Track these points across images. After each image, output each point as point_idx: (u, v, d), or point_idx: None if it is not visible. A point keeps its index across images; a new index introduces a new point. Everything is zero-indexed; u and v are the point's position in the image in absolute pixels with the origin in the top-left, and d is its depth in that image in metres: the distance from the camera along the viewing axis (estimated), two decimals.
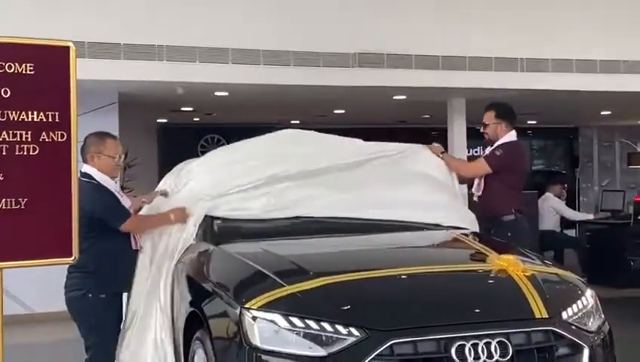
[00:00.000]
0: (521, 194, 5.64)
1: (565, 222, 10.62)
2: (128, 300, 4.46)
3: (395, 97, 9.83)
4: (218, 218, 4.42)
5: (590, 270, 9.12)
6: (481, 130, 5.69)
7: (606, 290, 7.72)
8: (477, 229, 4.75)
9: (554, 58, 8.94)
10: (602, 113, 13.26)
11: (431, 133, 14.98)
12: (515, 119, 5.72)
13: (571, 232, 11.31)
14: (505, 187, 5.37)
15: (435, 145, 5.36)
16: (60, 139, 3.33)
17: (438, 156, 5.24)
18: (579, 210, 12.86)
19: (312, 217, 4.49)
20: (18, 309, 7.51)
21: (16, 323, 6.54)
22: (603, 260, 9.27)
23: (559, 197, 10.33)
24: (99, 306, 4.25)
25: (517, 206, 5.41)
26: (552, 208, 10.04)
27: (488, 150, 5.61)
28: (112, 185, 4.37)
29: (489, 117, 5.63)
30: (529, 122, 15.45)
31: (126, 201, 4.48)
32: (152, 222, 4.59)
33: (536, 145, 17.76)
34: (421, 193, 4.78)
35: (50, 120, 3.32)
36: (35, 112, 3.31)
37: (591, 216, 10.68)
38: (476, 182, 5.53)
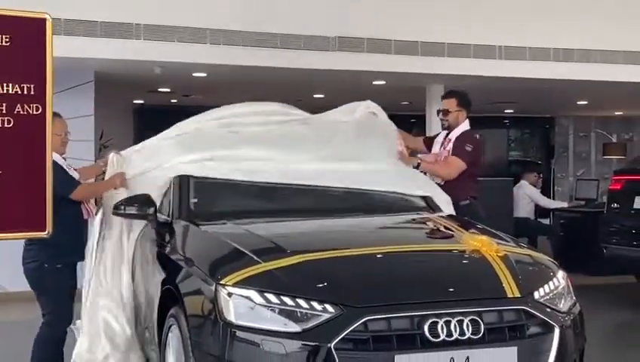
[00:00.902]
0: (478, 182, 5.91)
1: (539, 210, 10.73)
2: (84, 270, 4.80)
3: (374, 82, 9.85)
4: (195, 198, 4.41)
5: (563, 257, 9.15)
6: (440, 116, 5.94)
7: (579, 277, 7.82)
8: (452, 211, 4.79)
9: (532, 46, 9.00)
10: (579, 103, 13.38)
11: (410, 120, 15.05)
12: (470, 108, 6.00)
13: (545, 221, 11.44)
14: (465, 176, 5.65)
15: (404, 151, 5.47)
16: (35, 112, 3.28)
17: (413, 166, 5.41)
18: (554, 199, 12.99)
19: (284, 185, 4.63)
20: None
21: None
22: (576, 247, 9.38)
23: (534, 186, 10.42)
24: (55, 276, 4.56)
25: (473, 193, 5.70)
26: (526, 196, 10.13)
27: (451, 144, 5.77)
28: (60, 159, 4.63)
29: (451, 104, 5.88)
30: (506, 111, 15.56)
31: (74, 174, 4.82)
32: (99, 188, 5.02)
33: (513, 134, 17.90)
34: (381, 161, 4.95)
35: (25, 92, 3.27)
36: (11, 85, 3.26)
37: (565, 204, 10.80)
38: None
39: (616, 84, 9.70)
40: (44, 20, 3.33)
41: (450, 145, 5.76)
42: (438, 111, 6.03)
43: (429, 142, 6.14)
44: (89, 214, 4.82)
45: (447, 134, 5.87)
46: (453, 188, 5.38)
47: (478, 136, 6.08)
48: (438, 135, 6.12)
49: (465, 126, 5.86)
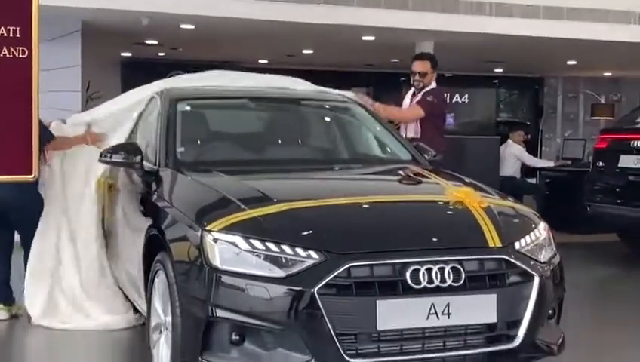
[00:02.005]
0: (445, 138, 6.41)
1: (526, 170, 10.79)
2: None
3: (363, 38, 9.81)
4: (182, 147, 4.42)
5: (548, 216, 9.15)
6: (416, 78, 6.38)
7: (563, 236, 7.93)
8: None
9: (521, 3, 8.97)
10: (568, 63, 13.38)
11: (399, 79, 15.03)
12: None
13: (532, 180, 11.51)
14: (436, 131, 6.16)
15: (365, 98, 5.93)
16: (21, 55, 3.29)
17: (369, 107, 5.54)
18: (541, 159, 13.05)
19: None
20: None
21: None
22: (561, 206, 9.46)
23: (520, 145, 10.47)
24: None
25: (443, 147, 6.03)
26: (513, 155, 10.18)
27: (419, 97, 6.33)
28: None
29: (426, 66, 6.39)
30: (496, 70, 15.55)
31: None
32: (72, 142, 5.23)
33: (502, 95, 17.89)
34: None
35: (11, 35, 3.27)
36: None
37: (551, 163, 10.87)
38: (412, 127, 6.21)
39: (605, 43, 9.71)
40: None
41: (417, 98, 6.32)
42: (413, 73, 6.38)
43: (399, 104, 6.59)
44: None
45: (414, 93, 6.37)
46: (426, 143, 5.51)
47: (442, 91, 6.76)
48: (406, 94, 6.60)
49: (433, 84, 6.40)
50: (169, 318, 3.49)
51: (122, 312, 5.00)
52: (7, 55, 3.28)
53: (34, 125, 3.30)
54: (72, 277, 5.07)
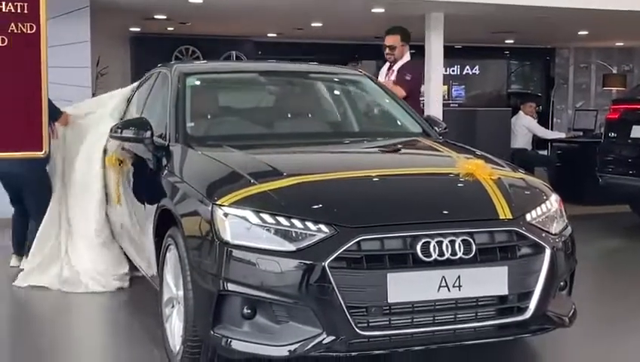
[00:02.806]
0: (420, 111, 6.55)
1: (537, 141, 10.74)
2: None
3: (373, 10, 9.73)
4: (192, 122, 4.41)
5: (560, 187, 9.16)
6: (387, 51, 6.57)
7: (574, 207, 7.92)
8: None
9: None
10: (579, 33, 13.23)
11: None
12: (410, 41, 6.71)
13: (543, 152, 11.46)
14: (417, 106, 6.32)
15: None
16: (29, 31, 3.28)
17: None
18: (552, 130, 12.98)
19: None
20: None
21: None
22: (573, 178, 9.42)
23: (532, 116, 10.41)
24: None
25: None
26: (524, 126, 10.13)
27: (394, 75, 6.48)
28: None
29: (396, 40, 6.56)
30: (506, 41, 15.40)
31: None
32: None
33: (513, 66, 17.75)
34: None
35: (19, 11, 3.26)
36: (4, 3, 3.25)
37: (562, 135, 10.81)
38: None
39: (617, 13, 9.57)
40: None
41: (394, 75, 6.46)
42: (384, 47, 6.57)
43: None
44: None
45: (391, 65, 6.53)
46: None
47: (416, 64, 7.01)
48: (382, 69, 6.77)
49: (407, 58, 6.55)
50: (181, 292, 3.52)
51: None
52: (16, 31, 3.28)
53: (43, 101, 3.30)
54: (77, 244, 5.53)
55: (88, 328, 4.81)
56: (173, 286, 3.71)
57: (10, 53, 3.26)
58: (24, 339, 4.47)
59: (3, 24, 3.24)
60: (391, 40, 6.55)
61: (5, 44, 3.26)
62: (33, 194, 5.66)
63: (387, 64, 6.67)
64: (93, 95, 9.08)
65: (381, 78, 6.57)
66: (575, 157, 9.74)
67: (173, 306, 3.72)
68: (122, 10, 9.96)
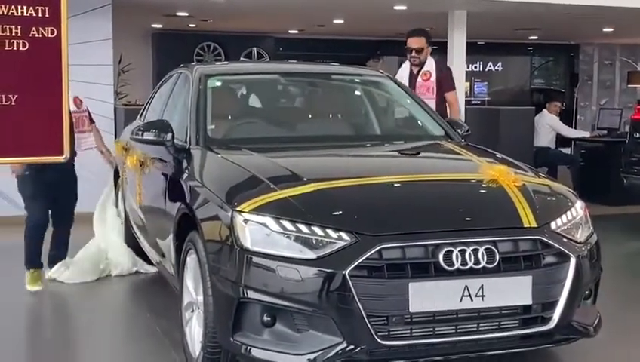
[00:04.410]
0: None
1: (561, 140, 10.62)
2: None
3: (395, 7, 9.66)
4: (212, 125, 4.40)
5: (583, 187, 9.17)
6: (412, 54, 6.36)
7: (598, 207, 7.83)
8: None
9: None
10: (604, 30, 13.06)
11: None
12: None
13: (567, 150, 11.34)
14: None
15: None
16: (50, 35, 3.24)
17: None
18: (576, 129, 12.84)
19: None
20: (14, 210, 7.53)
21: (9, 224, 6.62)
22: (597, 177, 9.32)
23: (556, 115, 10.29)
24: (22, 183, 5.37)
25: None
26: (547, 125, 10.01)
27: (434, 77, 6.32)
28: None
29: (421, 42, 6.37)
30: (530, 38, 15.25)
31: None
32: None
33: (537, 62, 17.58)
34: None
35: (40, 15, 3.23)
36: (25, 7, 3.21)
37: (587, 134, 10.68)
38: (427, 101, 6.05)
39: None
40: None
41: (433, 77, 6.29)
42: (409, 49, 6.37)
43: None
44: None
45: (419, 70, 6.32)
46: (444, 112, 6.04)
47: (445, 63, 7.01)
48: (399, 71, 6.56)
49: (430, 58, 6.41)
50: (201, 298, 3.50)
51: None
52: (37, 35, 3.24)
53: (64, 106, 3.27)
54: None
55: (106, 331, 4.81)
56: (193, 291, 3.69)
57: (32, 58, 3.23)
58: (42, 340, 4.48)
59: (24, 28, 3.20)
60: (417, 42, 6.37)
61: (26, 48, 3.23)
62: (72, 197, 5.67)
63: (407, 66, 6.48)
64: (117, 93, 9.13)
65: (403, 81, 6.34)
66: (599, 156, 9.63)
67: (193, 311, 3.71)
68: (144, 8, 9.97)
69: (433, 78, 6.29)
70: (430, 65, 6.36)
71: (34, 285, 5.34)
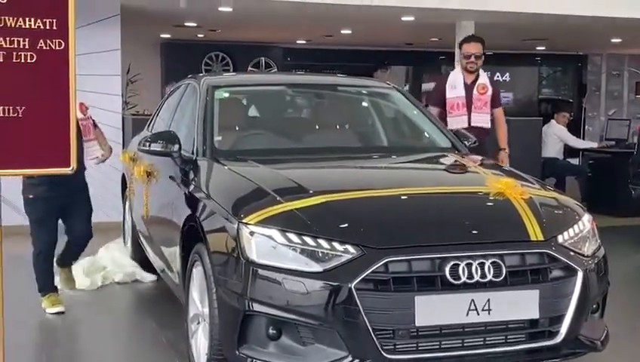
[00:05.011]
0: None
1: (568, 150, 10.59)
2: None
3: (403, 18, 9.67)
4: (219, 136, 4.40)
5: (592, 198, 9.14)
6: (471, 60, 6.12)
7: (606, 219, 7.79)
8: None
9: None
10: (612, 41, 13.05)
11: (438, 57, 14.83)
12: None
13: (574, 160, 11.31)
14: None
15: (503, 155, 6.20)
16: (57, 48, 3.26)
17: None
18: (584, 139, 12.81)
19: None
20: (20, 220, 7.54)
21: (17, 233, 6.62)
22: (605, 188, 9.29)
23: (564, 126, 10.26)
24: (27, 206, 5.13)
25: None
26: (555, 135, 9.99)
27: (490, 91, 6.15)
28: None
29: (479, 48, 6.18)
30: (538, 48, 15.24)
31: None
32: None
33: (545, 72, 17.57)
34: None
35: (47, 27, 3.24)
36: (33, 19, 3.23)
37: (594, 145, 10.65)
38: (481, 117, 6.09)
39: None
40: None
41: (489, 92, 6.12)
42: (469, 55, 6.12)
43: (440, 94, 6.19)
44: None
45: (473, 80, 6.09)
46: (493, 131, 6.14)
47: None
48: (444, 79, 6.29)
49: (482, 71, 6.24)
50: (206, 310, 3.50)
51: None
52: (45, 48, 3.26)
53: (71, 118, 3.29)
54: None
55: (111, 341, 4.80)
56: (198, 303, 3.69)
57: (39, 70, 3.25)
58: (48, 346, 4.49)
59: (32, 41, 3.22)
60: (476, 48, 6.14)
61: (34, 60, 3.25)
62: (87, 210, 5.39)
63: (458, 75, 6.18)
64: (125, 103, 9.16)
65: (454, 93, 6.09)
66: (607, 167, 9.60)
67: (198, 323, 3.71)
68: (153, 18, 10.02)
69: (490, 92, 6.12)
70: (484, 78, 6.20)
71: (54, 306, 5.10)
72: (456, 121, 5.94)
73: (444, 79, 6.33)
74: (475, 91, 6.08)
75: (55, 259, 5.40)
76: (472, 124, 5.99)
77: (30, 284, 5.20)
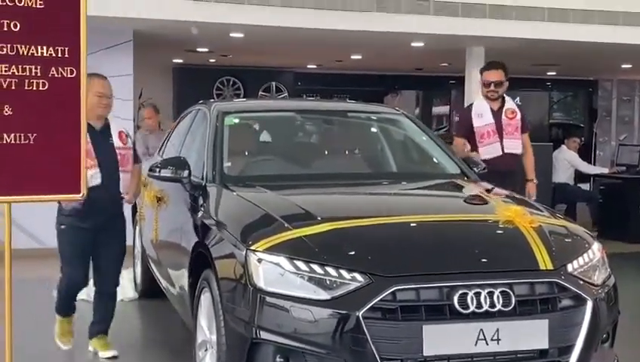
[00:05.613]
0: None
1: (579, 176, 10.57)
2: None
3: (413, 44, 9.72)
4: (229, 162, 4.42)
5: (603, 224, 9.11)
6: (490, 88, 5.93)
7: (617, 244, 7.75)
8: None
9: (575, 8, 8.76)
10: (623, 66, 13.06)
11: (449, 82, 14.86)
12: None
13: (585, 186, 11.27)
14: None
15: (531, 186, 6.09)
16: (69, 75, 3.31)
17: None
18: (595, 164, 12.78)
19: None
20: (31, 243, 7.60)
21: (29, 257, 6.65)
22: (616, 214, 9.25)
23: (574, 151, 10.25)
24: (60, 236, 4.68)
25: None
26: (566, 161, 9.98)
27: (519, 117, 5.99)
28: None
29: (501, 75, 5.99)
30: (548, 73, 15.26)
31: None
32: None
33: (555, 97, 17.57)
34: None
35: (59, 55, 3.30)
36: (45, 47, 3.29)
37: (605, 170, 10.63)
38: (512, 143, 5.92)
39: None
40: None
41: (518, 116, 5.97)
42: (489, 83, 5.92)
43: (466, 123, 5.98)
44: None
45: (499, 106, 5.94)
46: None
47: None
48: (469, 108, 6.15)
49: (507, 96, 6.08)
50: (214, 337, 3.49)
51: None
52: (56, 75, 3.31)
53: (82, 145, 3.32)
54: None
55: None
56: (206, 330, 3.68)
57: (51, 98, 3.29)
58: None
59: (44, 69, 3.28)
60: (497, 75, 5.92)
61: (46, 88, 3.29)
62: (119, 252, 4.87)
63: (482, 103, 5.96)
64: (138, 127, 9.22)
65: (484, 120, 5.87)
66: (618, 193, 9.58)
67: (206, 349, 3.70)
68: (165, 43, 10.10)
69: (519, 116, 5.95)
70: (511, 103, 6.04)
71: (64, 339, 4.84)
72: (489, 151, 5.72)
73: (468, 109, 6.17)
74: (503, 116, 5.88)
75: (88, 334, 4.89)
76: (505, 151, 5.80)
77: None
